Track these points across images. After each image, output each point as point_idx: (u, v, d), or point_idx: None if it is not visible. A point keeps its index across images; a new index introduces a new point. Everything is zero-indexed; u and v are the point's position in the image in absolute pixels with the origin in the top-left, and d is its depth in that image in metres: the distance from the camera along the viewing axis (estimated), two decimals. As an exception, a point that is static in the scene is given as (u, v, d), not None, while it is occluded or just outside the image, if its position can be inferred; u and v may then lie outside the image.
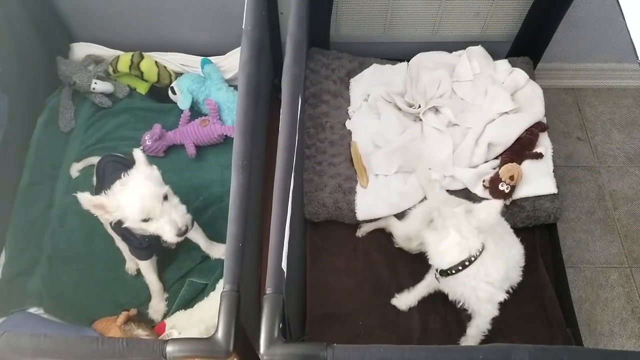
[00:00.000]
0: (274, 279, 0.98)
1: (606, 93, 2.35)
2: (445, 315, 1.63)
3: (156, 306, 1.65)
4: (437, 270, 1.47)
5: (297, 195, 1.65)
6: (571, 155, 2.21)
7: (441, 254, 1.42)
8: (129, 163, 1.78)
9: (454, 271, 1.41)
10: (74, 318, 1.64)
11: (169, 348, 0.92)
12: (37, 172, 1.88)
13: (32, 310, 1.64)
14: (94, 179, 1.81)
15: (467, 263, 1.38)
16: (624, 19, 1.32)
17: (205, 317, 1.54)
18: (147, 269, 1.67)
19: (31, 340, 0.92)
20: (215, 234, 1.75)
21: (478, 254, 1.38)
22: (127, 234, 1.57)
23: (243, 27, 1.28)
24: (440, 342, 1.57)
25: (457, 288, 1.45)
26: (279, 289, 0.98)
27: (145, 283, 1.68)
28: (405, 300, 1.63)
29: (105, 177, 1.72)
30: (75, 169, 1.91)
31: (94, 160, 1.87)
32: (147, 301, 1.68)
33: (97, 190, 1.78)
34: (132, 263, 1.71)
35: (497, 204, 1.37)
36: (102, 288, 1.70)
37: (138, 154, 1.50)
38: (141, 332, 1.53)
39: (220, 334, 0.94)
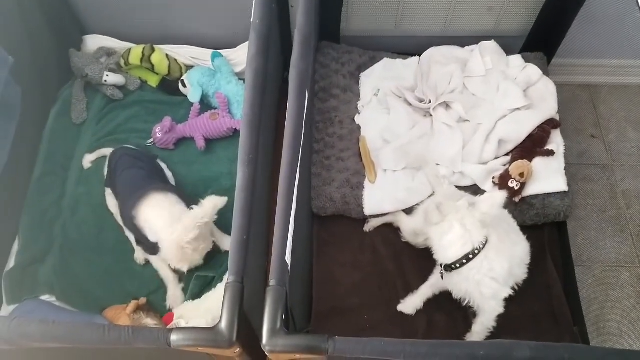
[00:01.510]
0: (278, 271, 0.99)
1: (622, 90, 2.31)
2: (451, 311, 1.62)
3: (173, 295, 1.67)
4: (441, 265, 1.47)
5: (304, 189, 1.66)
6: (584, 152, 2.18)
7: (445, 248, 1.42)
8: (142, 157, 1.80)
9: (457, 265, 1.40)
10: (85, 306, 1.66)
11: (173, 337, 0.94)
12: (49, 163, 1.91)
13: (44, 297, 1.67)
14: (106, 169, 1.84)
15: (470, 256, 1.38)
16: (640, 14, 1.30)
17: (212, 308, 1.56)
18: (158, 261, 1.69)
19: (40, 327, 0.94)
20: (224, 227, 1.76)
21: (482, 246, 1.38)
22: (139, 236, 1.65)
23: (251, 20, 1.29)
24: (446, 338, 1.57)
25: (461, 284, 1.44)
26: (282, 282, 0.98)
27: (153, 273, 1.71)
28: (411, 303, 1.61)
29: (116, 171, 1.74)
30: (87, 160, 1.93)
31: (107, 151, 1.89)
32: (156, 290, 1.70)
33: (108, 182, 1.81)
34: (140, 253, 1.73)
35: (500, 196, 1.37)
36: (112, 277, 1.72)
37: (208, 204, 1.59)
38: (150, 321, 1.55)
39: (223, 324, 0.95)
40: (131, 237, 1.74)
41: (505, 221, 1.56)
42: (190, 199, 1.71)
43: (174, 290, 1.68)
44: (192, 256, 1.61)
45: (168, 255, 1.60)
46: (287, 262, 1.02)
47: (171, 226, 1.57)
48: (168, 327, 1.52)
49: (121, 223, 1.77)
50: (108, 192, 1.81)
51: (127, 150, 1.81)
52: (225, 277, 1.65)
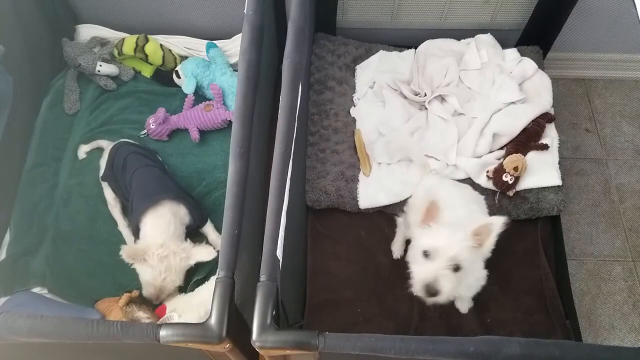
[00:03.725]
0: (268, 266, 0.99)
1: (617, 85, 2.31)
2: (444, 304, 1.62)
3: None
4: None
5: (298, 182, 1.65)
6: (579, 147, 2.18)
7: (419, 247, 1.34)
8: (147, 153, 1.79)
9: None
10: (77, 298, 1.66)
11: (163, 332, 0.93)
12: (41, 153, 1.89)
13: (36, 289, 1.67)
14: (102, 162, 1.82)
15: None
16: (636, 9, 1.29)
17: (205, 301, 1.55)
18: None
19: (27, 322, 0.93)
20: (218, 219, 1.75)
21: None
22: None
23: (245, 11, 1.27)
24: (438, 331, 1.59)
25: None
26: (273, 277, 0.98)
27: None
28: (397, 250, 1.69)
29: (126, 168, 1.71)
30: (83, 151, 1.91)
31: (103, 143, 1.88)
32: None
33: (106, 176, 1.79)
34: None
35: (499, 221, 1.25)
36: (105, 269, 1.71)
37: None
38: (142, 315, 1.54)
39: (213, 320, 0.94)
40: (125, 233, 1.74)
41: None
42: (200, 212, 1.71)
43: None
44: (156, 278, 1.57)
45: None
46: (279, 257, 1.01)
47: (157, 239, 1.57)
48: (161, 320, 1.53)
49: (115, 216, 1.76)
50: (105, 185, 1.80)
51: (134, 148, 1.78)
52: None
